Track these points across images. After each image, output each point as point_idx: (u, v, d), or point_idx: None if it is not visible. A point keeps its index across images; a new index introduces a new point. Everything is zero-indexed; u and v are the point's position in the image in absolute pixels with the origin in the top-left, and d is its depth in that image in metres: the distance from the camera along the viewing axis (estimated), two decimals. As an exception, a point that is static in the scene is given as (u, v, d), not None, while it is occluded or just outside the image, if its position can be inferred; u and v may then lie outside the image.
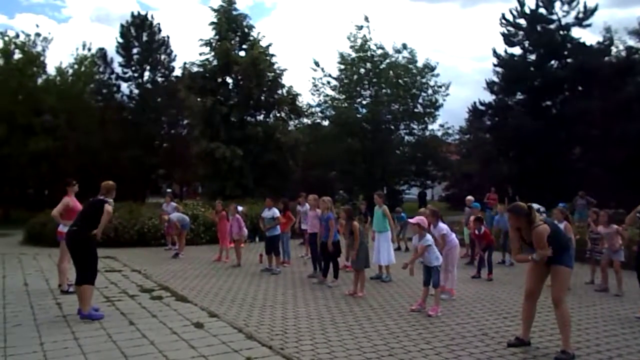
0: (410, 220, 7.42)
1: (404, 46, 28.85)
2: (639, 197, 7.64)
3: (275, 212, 10.39)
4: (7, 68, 23.38)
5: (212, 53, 24.00)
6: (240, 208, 12.79)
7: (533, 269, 5.42)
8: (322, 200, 9.25)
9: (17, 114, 22.39)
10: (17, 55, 24.09)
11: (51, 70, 25.77)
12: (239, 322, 6.22)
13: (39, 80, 25.03)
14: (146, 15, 31.31)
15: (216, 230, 12.77)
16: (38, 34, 24.79)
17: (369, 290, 8.19)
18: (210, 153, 22.18)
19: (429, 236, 7.04)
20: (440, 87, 29.17)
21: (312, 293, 8.10)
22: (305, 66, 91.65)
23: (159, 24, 31.50)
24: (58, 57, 39.02)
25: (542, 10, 26.01)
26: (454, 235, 8.08)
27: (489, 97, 27.54)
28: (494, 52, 27.32)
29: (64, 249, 7.83)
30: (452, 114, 56.17)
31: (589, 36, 69.19)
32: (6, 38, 24.14)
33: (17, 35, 24.45)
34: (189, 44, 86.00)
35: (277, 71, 24.54)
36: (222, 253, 11.74)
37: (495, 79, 27.25)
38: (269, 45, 24.49)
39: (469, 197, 13.08)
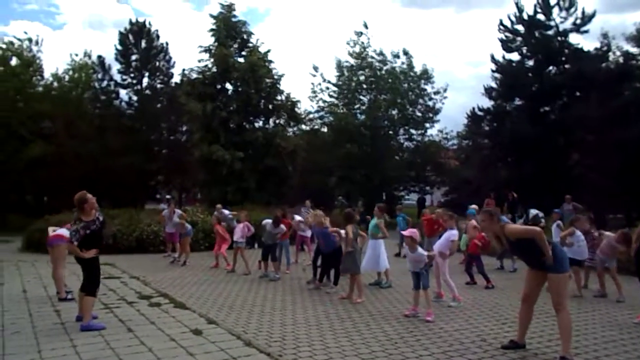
0: (404, 233, 7.41)
1: (405, 52, 29.04)
2: (635, 202, 7.65)
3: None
4: (4, 74, 23.46)
5: (212, 59, 24.09)
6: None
7: (531, 274, 5.48)
8: (315, 215, 9.35)
9: (14, 120, 22.40)
10: (14, 61, 24.25)
11: (48, 76, 26.03)
12: (238, 328, 6.22)
13: (37, 87, 25.18)
14: (144, 22, 31.41)
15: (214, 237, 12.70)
16: (30, 39, 25.09)
17: (367, 296, 8.19)
18: (211, 157, 22.22)
19: (420, 249, 7.11)
20: (437, 93, 29.38)
21: (311, 299, 8.11)
22: (299, 72, 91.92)
23: (157, 30, 31.48)
24: (54, 64, 39.45)
25: (540, 17, 26.07)
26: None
27: (487, 103, 27.59)
28: (492, 57, 27.37)
29: (56, 257, 7.82)
30: (448, 119, 56.33)
31: (586, 42, 69.42)
32: (3, 45, 24.32)
33: (12, 44, 24.67)
34: (182, 50, 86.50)
35: (275, 77, 24.65)
36: (219, 259, 11.73)
37: (494, 85, 27.27)
38: (268, 51, 24.67)
39: (473, 206, 12.95)
